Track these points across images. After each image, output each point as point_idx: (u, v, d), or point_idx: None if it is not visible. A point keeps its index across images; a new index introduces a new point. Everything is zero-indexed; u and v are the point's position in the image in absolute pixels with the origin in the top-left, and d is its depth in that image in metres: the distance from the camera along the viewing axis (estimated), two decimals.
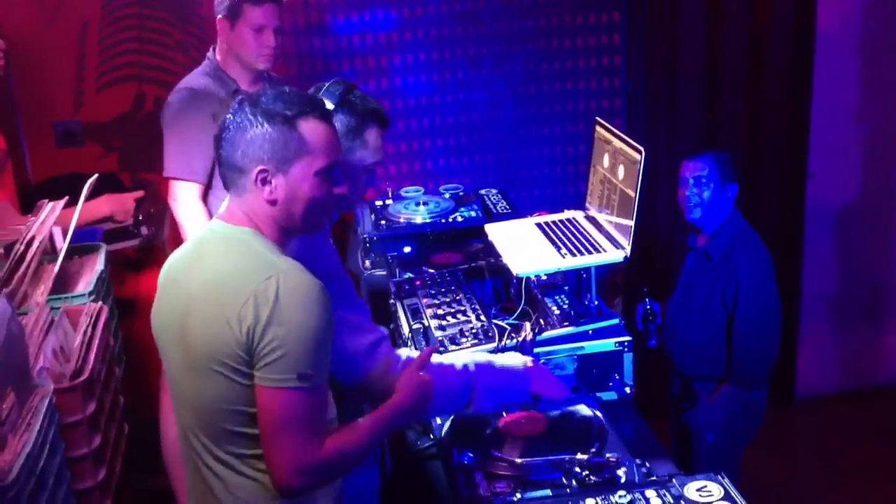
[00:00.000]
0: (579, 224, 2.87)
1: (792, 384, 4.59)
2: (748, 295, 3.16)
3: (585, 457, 2.09)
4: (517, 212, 3.46)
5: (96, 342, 2.34)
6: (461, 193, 3.69)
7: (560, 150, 4.30)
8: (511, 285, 2.85)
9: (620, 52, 4.22)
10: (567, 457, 2.09)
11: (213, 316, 1.76)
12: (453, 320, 2.62)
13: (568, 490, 2.02)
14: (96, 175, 2.79)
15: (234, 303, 1.73)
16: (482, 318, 2.61)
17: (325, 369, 1.79)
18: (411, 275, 3.00)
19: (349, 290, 2.18)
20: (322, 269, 1.87)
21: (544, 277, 2.81)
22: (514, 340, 2.50)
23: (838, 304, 4.64)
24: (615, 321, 2.59)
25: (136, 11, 3.85)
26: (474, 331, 2.55)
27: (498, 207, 3.55)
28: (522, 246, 2.78)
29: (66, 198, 2.76)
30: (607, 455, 2.10)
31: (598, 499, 1.93)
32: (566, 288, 2.78)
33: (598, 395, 2.49)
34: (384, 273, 3.22)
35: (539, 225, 2.92)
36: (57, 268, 2.57)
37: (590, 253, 2.63)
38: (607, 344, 2.53)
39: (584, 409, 2.36)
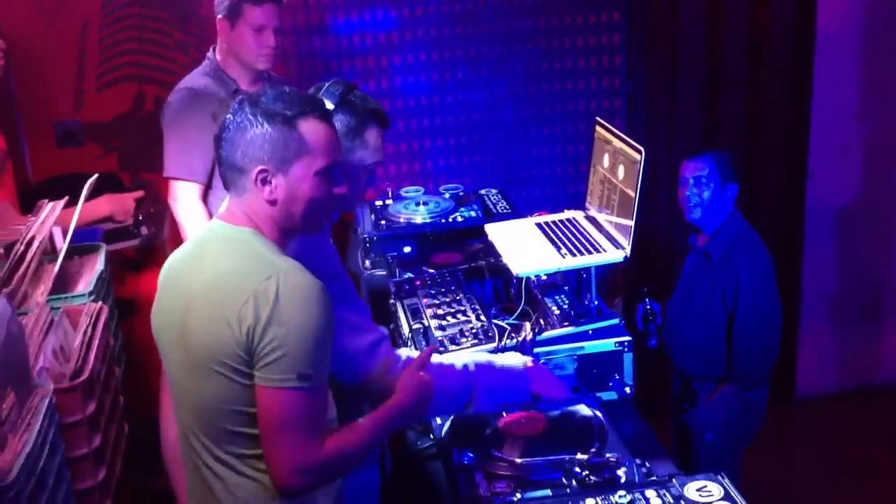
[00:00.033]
0: (579, 224, 2.87)
1: (792, 384, 4.59)
2: (748, 295, 3.16)
3: (585, 457, 2.09)
4: (517, 212, 3.46)
5: (96, 342, 2.34)
6: (461, 193, 3.69)
7: (560, 150, 4.30)
8: (511, 285, 2.85)
9: (620, 52, 4.22)
10: (567, 457, 2.09)
11: (212, 316, 1.76)
12: (453, 320, 2.62)
13: (568, 490, 2.02)
14: (96, 175, 2.79)
15: (234, 303, 1.73)
16: (482, 318, 2.61)
17: (325, 369, 1.79)
18: (411, 275, 3.00)
19: (349, 290, 2.19)
20: (322, 269, 1.87)
21: (544, 277, 2.81)
22: (514, 340, 2.50)
23: (838, 304, 4.64)
24: (615, 321, 2.59)
25: (137, 11, 3.85)
26: (474, 331, 2.55)
27: (498, 207, 3.55)
28: (522, 246, 2.78)
29: (66, 198, 2.76)
30: (607, 455, 2.10)
31: (598, 499, 1.93)
32: (566, 288, 2.78)
33: (598, 395, 2.49)
34: (384, 273, 3.22)
35: (539, 225, 2.92)
36: (57, 268, 2.57)
37: (590, 253, 2.63)
38: (607, 344, 2.53)
39: (584, 409, 2.36)
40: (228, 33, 3.18)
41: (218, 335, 1.74)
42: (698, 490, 1.94)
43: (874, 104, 4.36)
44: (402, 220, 3.44)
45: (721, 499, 1.91)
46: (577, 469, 2.05)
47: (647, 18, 4.06)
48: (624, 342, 2.53)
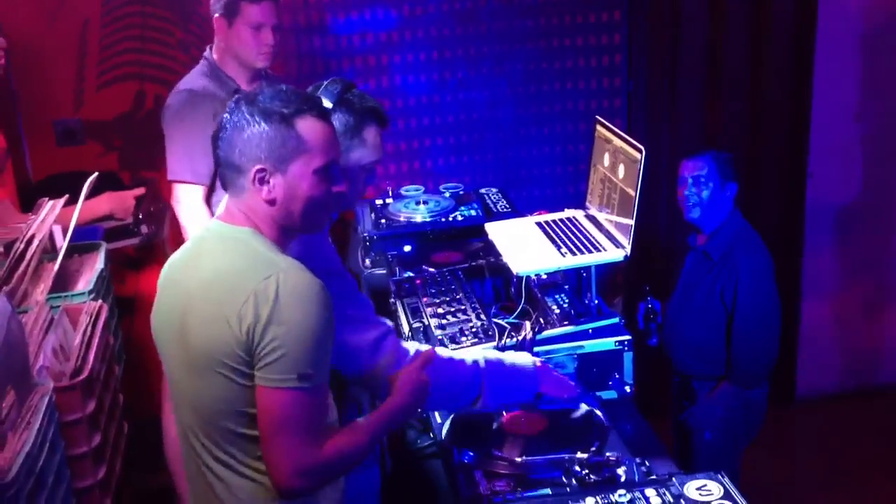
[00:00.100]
0: (579, 223, 2.87)
1: (792, 384, 4.59)
2: (747, 294, 3.16)
3: (585, 456, 2.09)
4: (517, 211, 3.46)
5: (96, 341, 2.34)
6: (461, 192, 3.69)
7: (560, 150, 4.30)
8: (511, 284, 2.84)
9: (621, 51, 4.22)
10: (567, 456, 2.09)
11: (212, 315, 1.75)
12: (453, 319, 2.62)
13: (568, 489, 2.02)
14: (96, 173, 2.78)
15: (233, 302, 1.72)
16: (482, 316, 2.61)
17: (325, 369, 1.78)
18: (411, 274, 3.00)
19: (351, 287, 2.18)
20: (322, 268, 1.87)
21: (544, 276, 2.82)
22: (514, 339, 2.50)
23: (838, 304, 4.64)
24: (615, 320, 2.59)
25: (138, 10, 3.85)
26: (474, 330, 2.55)
27: (498, 206, 3.55)
28: (522, 245, 2.78)
29: (67, 196, 2.76)
30: (607, 454, 2.10)
31: (597, 498, 1.93)
32: (566, 287, 2.78)
33: (598, 393, 2.48)
34: (384, 272, 3.22)
35: (539, 224, 2.92)
36: (57, 266, 2.57)
37: (590, 252, 2.63)
38: (607, 343, 2.53)
39: (584, 408, 2.35)
40: (226, 32, 3.17)
41: (218, 335, 1.74)
42: (698, 489, 1.94)
43: (874, 104, 4.36)
44: (402, 218, 3.44)
45: (721, 498, 1.91)
46: (577, 468, 2.05)
47: (648, 18, 4.06)
48: (624, 341, 2.53)
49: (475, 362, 2.23)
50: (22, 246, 2.47)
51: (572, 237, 2.75)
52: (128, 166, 3.96)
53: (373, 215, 3.49)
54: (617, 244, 2.63)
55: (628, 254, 2.58)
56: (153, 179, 3.65)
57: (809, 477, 4.14)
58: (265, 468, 1.78)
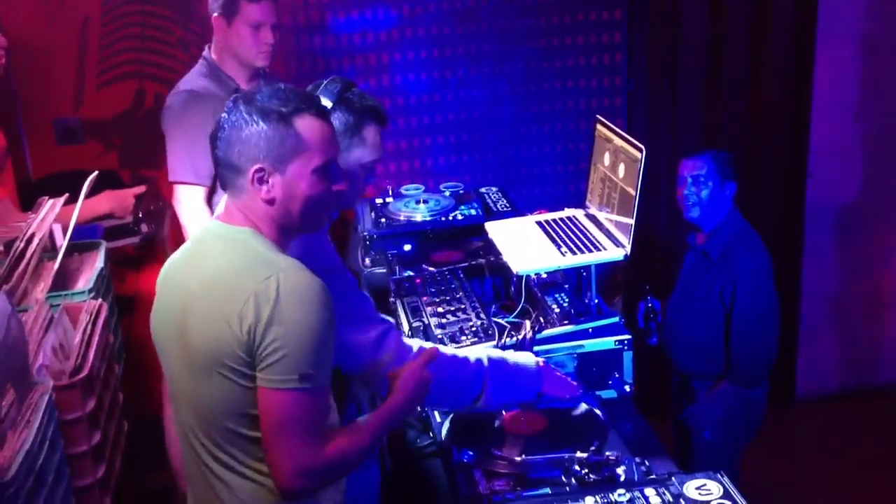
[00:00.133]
0: (579, 222, 2.87)
1: (792, 384, 4.59)
2: (746, 294, 3.16)
3: (585, 455, 2.08)
4: (517, 210, 3.46)
5: (96, 339, 2.34)
6: (461, 191, 3.69)
7: (560, 149, 4.30)
8: (511, 283, 2.84)
9: (621, 50, 4.22)
10: (567, 455, 2.09)
11: (213, 316, 1.74)
12: (453, 318, 2.62)
13: (567, 488, 2.02)
14: (96, 172, 2.78)
15: (234, 302, 1.71)
16: (482, 316, 2.61)
17: (326, 369, 1.77)
18: (411, 273, 3.00)
19: (351, 285, 2.18)
20: (323, 266, 1.87)
21: (544, 275, 2.81)
22: (514, 338, 2.50)
23: (838, 304, 4.64)
24: (615, 319, 2.59)
25: (138, 9, 3.85)
26: (474, 329, 2.55)
27: (498, 205, 3.55)
28: (522, 244, 2.78)
29: (67, 195, 2.76)
30: (607, 453, 2.10)
31: (597, 497, 1.93)
32: (566, 286, 2.78)
33: (597, 393, 2.48)
34: (384, 271, 3.22)
35: (539, 223, 2.92)
36: (57, 265, 2.57)
37: (590, 251, 2.63)
38: (607, 342, 2.53)
39: (583, 408, 2.35)
40: (225, 31, 3.17)
41: (218, 335, 1.73)
42: (698, 489, 1.94)
43: (874, 104, 4.36)
44: (402, 217, 3.44)
45: (720, 497, 1.91)
46: (577, 467, 2.04)
47: (648, 17, 4.06)
48: (624, 340, 2.53)
49: (478, 360, 2.23)
50: (22, 244, 2.47)
51: (572, 236, 2.75)
52: (128, 165, 3.96)
53: (373, 214, 3.49)
54: (617, 243, 2.63)
55: (628, 253, 2.58)
56: (153, 178, 3.65)
57: (809, 477, 4.14)
58: (267, 469, 1.77)
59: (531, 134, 4.27)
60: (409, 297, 2.80)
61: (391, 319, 2.22)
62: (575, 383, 2.37)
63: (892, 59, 4.32)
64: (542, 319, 2.62)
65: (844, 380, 4.73)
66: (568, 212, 2.97)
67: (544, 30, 4.16)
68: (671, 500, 1.91)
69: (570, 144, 4.29)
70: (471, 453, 2.17)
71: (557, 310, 2.63)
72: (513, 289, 2.82)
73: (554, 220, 2.91)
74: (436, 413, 2.42)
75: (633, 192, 2.56)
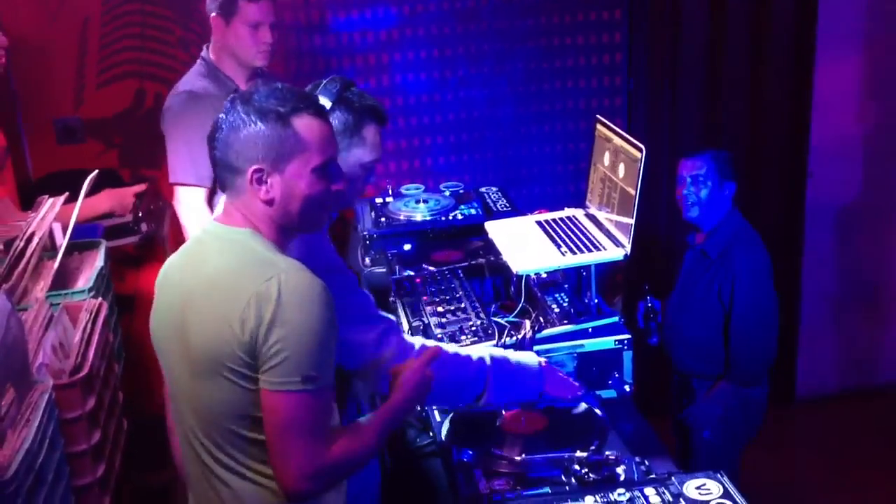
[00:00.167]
0: (579, 222, 2.87)
1: (792, 384, 4.59)
2: (745, 293, 3.16)
3: (585, 454, 2.08)
4: (517, 210, 3.45)
5: (96, 338, 2.34)
6: (461, 191, 3.69)
7: (560, 148, 4.31)
8: (511, 283, 2.84)
9: (621, 50, 4.22)
10: (566, 454, 2.09)
11: (213, 318, 1.73)
12: (453, 318, 2.62)
13: (567, 488, 2.02)
14: (96, 171, 2.78)
15: (235, 304, 1.70)
16: (482, 315, 2.61)
17: (329, 369, 1.76)
18: (411, 272, 3.00)
19: (352, 283, 2.18)
20: (323, 265, 1.87)
21: (544, 275, 2.81)
22: (514, 338, 2.50)
23: (838, 304, 4.64)
24: (615, 319, 2.59)
25: (138, 8, 3.85)
26: (474, 328, 2.55)
27: (498, 205, 3.55)
28: (522, 244, 2.78)
29: (66, 194, 2.76)
30: (607, 453, 2.10)
31: (597, 496, 1.93)
32: (566, 286, 2.78)
33: (597, 392, 2.48)
34: (384, 270, 3.22)
35: (539, 223, 2.92)
36: (57, 264, 2.57)
37: (590, 251, 2.63)
38: (607, 342, 2.53)
39: (583, 407, 2.35)
40: (224, 31, 3.16)
41: (219, 337, 1.72)
42: (697, 488, 1.94)
43: (874, 104, 4.36)
44: (402, 217, 3.44)
45: (720, 497, 1.91)
46: (577, 467, 2.04)
47: (648, 17, 4.06)
48: (624, 340, 2.53)
49: (480, 359, 2.23)
50: (22, 243, 2.47)
51: (572, 236, 2.75)
52: (128, 164, 3.96)
53: (373, 214, 3.49)
54: (617, 243, 2.63)
55: (628, 253, 2.58)
56: (153, 177, 3.65)
57: (809, 477, 4.14)
58: (269, 471, 1.76)
59: (531, 134, 4.27)
60: (409, 297, 2.80)
61: (392, 317, 2.21)
62: (577, 383, 2.37)
63: (892, 59, 4.32)
64: (541, 319, 2.62)
65: (844, 380, 4.73)
66: (568, 211, 2.97)
67: (544, 29, 4.16)
68: (671, 499, 1.91)
69: (570, 144, 4.29)
70: (470, 452, 2.17)
71: (557, 309, 2.63)
72: (513, 288, 2.82)
73: (554, 220, 2.91)
74: (436, 412, 2.42)
75: (632, 192, 2.56)
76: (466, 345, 2.46)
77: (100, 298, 2.54)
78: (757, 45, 4.13)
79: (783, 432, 4.33)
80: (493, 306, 2.77)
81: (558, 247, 2.69)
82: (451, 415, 2.37)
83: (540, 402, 2.32)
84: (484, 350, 2.29)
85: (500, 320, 2.62)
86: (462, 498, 2.09)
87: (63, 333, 2.29)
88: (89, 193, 2.78)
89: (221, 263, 1.79)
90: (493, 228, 2.96)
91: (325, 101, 2.07)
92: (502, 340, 2.49)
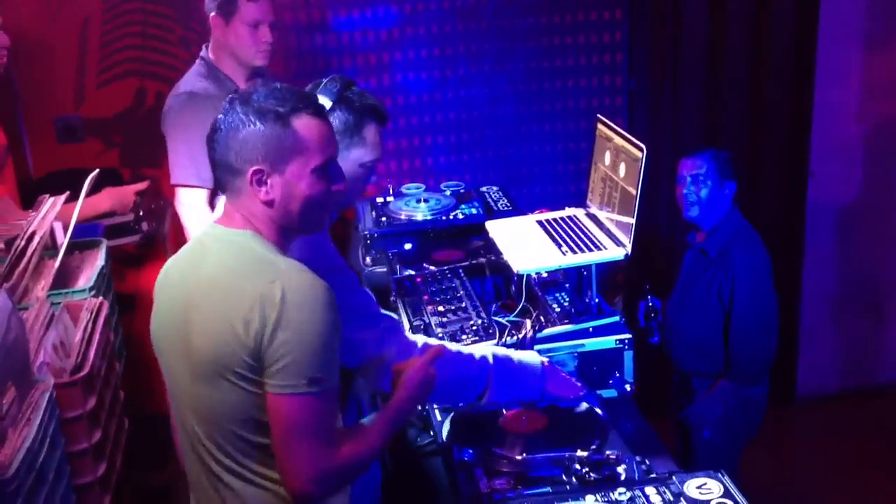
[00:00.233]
0: (580, 221, 2.87)
1: (792, 383, 4.59)
2: (744, 292, 3.17)
3: (585, 454, 2.09)
4: (518, 209, 3.45)
5: (97, 337, 2.34)
6: (462, 190, 3.69)
7: (561, 148, 4.31)
8: (512, 282, 2.85)
9: (622, 49, 4.22)
10: (567, 454, 2.09)
11: (217, 322, 1.72)
12: (454, 317, 2.62)
13: (568, 487, 2.02)
14: (97, 170, 2.78)
15: (238, 308, 1.69)
16: (483, 315, 2.61)
17: (334, 371, 1.75)
18: (412, 272, 3.00)
19: (353, 282, 2.18)
20: (324, 265, 1.87)
21: (545, 275, 2.82)
22: (515, 338, 2.50)
23: (839, 304, 4.64)
24: (616, 319, 2.59)
25: (139, 7, 3.85)
26: (475, 328, 2.55)
27: (499, 205, 3.55)
28: (523, 243, 2.78)
29: (67, 193, 2.76)
30: (607, 452, 2.10)
31: (597, 496, 1.93)
32: (567, 285, 2.78)
33: (598, 392, 2.48)
34: (385, 270, 3.22)
35: (540, 222, 2.92)
36: (57, 263, 2.57)
37: (590, 250, 2.63)
38: (608, 341, 2.53)
39: (584, 406, 2.36)
40: (223, 30, 3.16)
41: (223, 341, 1.71)
42: (698, 487, 1.94)
43: (875, 104, 4.36)
44: (402, 216, 3.44)
45: (721, 496, 1.91)
46: (577, 466, 2.05)
47: (649, 16, 4.06)
48: (624, 340, 2.53)
49: (483, 358, 2.23)
50: (23, 243, 2.47)
51: (573, 235, 2.75)
52: (128, 163, 3.96)
53: (373, 213, 3.49)
54: (618, 243, 2.63)
55: (629, 252, 2.58)
56: (154, 176, 3.65)
57: (809, 476, 4.14)
58: (275, 475, 1.76)
59: (532, 133, 4.27)
60: (410, 297, 2.80)
61: (394, 316, 2.22)
62: (579, 383, 2.37)
63: (893, 59, 4.31)
64: (542, 318, 2.62)
65: (844, 379, 4.73)
66: (569, 211, 2.97)
67: (545, 29, 4.16)
68: (672, 498, 1.91)
69: (571, 144, 4.29)
70: (471, 452, 2.17)
71: (558, 309, 2.63)
72: (513, 288, 2.82)
73: (555, 220, 2.91)
74: (436, 411, 2.42)
75: (633, 192, 2.56)
76: (467, 344, 2.46)
77: (101, 297, 2.54)
78: (758, 44, 4.13)
79: (783, 432, 4.33)
80: (494, 306, 2.77)
81: (559, 246, 2.69)
82: (451, 414, 2.37)
83: (541, 401, 2.32)
84: (487, 349, 2.29)
85: (500, 320, 2.62)
86: (463, 497, 2.09)
87: (64, 332, 2.29)
88: (90, 192, 2.78)
89: (223, 266, 1.78)
90: (494, 228, 2.96)
91: (326, 101, 2.07)
92: (503, 340, 2.49)
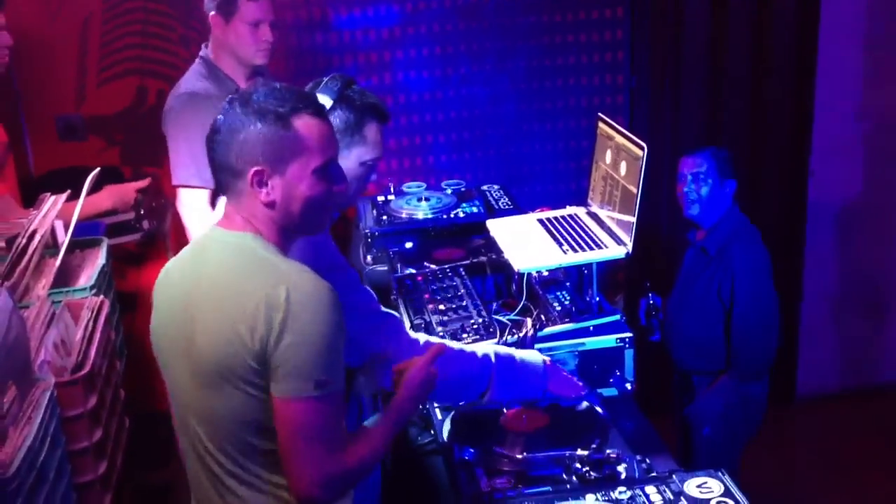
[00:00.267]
0: (581, 220, 2.87)
1: (793, 383, 4.59)
2: (743, 289, 3.17)
3: (586, 453, 2.09)
4: (519, 207, 3.45)
5: (97, 336, 2.34)
6: (463, 189, 3.69)
7: (562, 146, 4.30)
8: (513, 281, 2.85)
9: (623, 47, 4.22)
10: (568, 452, 2.09)
11: (221, 327, 1.70)
12: (455, 316, 2.62)
13: (568, 486, 2.02)
14: (98, 169, 2.78)
15: (243, 312, 1.68)
16: (483, 313, 2.61)
17: (340, 373, 1.73)
18: (413, 270, 3.00)
19: (354, 281, 2.18)
20: (325, 264, 1.87)
21: (546, 273, 2.81)
22: (516, 336, 2.50)
23: (839, 303, 4.64)
24: (616, 317, 2.59)
25: (140, 5, 3.85)
26: (475, 326, 2.55)
27: (500, 203, 3.55)
28: (524, 241, 2.78)
29: (68, 191, 2.76)
30: (608, 451, 2.10)
31: (598, 494, 1.93)
32: (567, 284, 2.78)
33: (598, 391, 2.48)
34: (386, 268, 3.21)
35: (541, 221, 2.92)
36: (58, 261, 2.57)
37: (591, 249, 2.63)
38: (608, 340, 2.53)
39: (584, 405, 2.35)
40: (223, 29, 3.15)
41: (228, 346, 1.69)
42: (698, 486, 1.94)
43: (876, 103, 4.36)
44: (403, 215, 3.44)
45: (721, 495, 1.91)
46: (578, 465, 2.05)
47: (650, 14, 4.06)
48: (625, 338, 2.53)
49: (485, 356, 2.23)
50: (24, 241, 2.47)
51: (574, 234, 2.75)
52: (129, 162, 3.96)
53: (374, 212, 3.49)
54: (618, 241, 2.63)
55: (630, 251, 2.58)
56: (155, 174, 3.65)
57: (809, 476, 4.14)
58: (283, 481, 1.74)
59: (533, 131, 4.27)
60: (411, 295, 2.80)
61: (395, 314, 2.22)
62: (581, 383, 2.37)
63: (894, 58, 4.31)
64: (543, 317, 2.62)
65: (844, 379, 4.73)
66: (569, 209, 2.97)
67: (546, 27, 4.15)
68: (672, 497, 1.91)
69: (572, 142, 4.29)
70: (472, 451, 2.17)
71: (559, 307, 2.63)
72: (514, 286, 2.82)
73: (555, 218, 2.91)
74: (437, 411, 2.42)
75: (634, 190, 2.56)
76: (468, 343, 2.46)
77: (101, 296, 2.54)
78: (759, 43, 4.13)
79: (783, 431, 4.33)
80: (495, 304, 2.78)
81: (560, 245, 2.69)
82: (452, 413, 2.36)
83: (542, 400, 2.32)
84: (489, 347, 2.29)
85: (501, 318, 2.62)
86: (463, 496, 2.10)
87: (65, 331, 2.29)
88: (91, 191, 2.78)
89: (225, 270, 1.76)
90: (495, 226, 2.96)
91: (327, 100, 2.07)
92: (504, 339, 2.49)
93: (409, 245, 3.30)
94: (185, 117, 3.09)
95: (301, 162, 1.75)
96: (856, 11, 4.22)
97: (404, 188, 3.71)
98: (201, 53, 3.24)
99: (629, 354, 2.53)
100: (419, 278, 2.90)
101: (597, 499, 1.92)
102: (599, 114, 2.97)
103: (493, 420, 2.30)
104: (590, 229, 2.78)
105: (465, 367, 2.19)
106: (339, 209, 2.29)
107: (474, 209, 3.46)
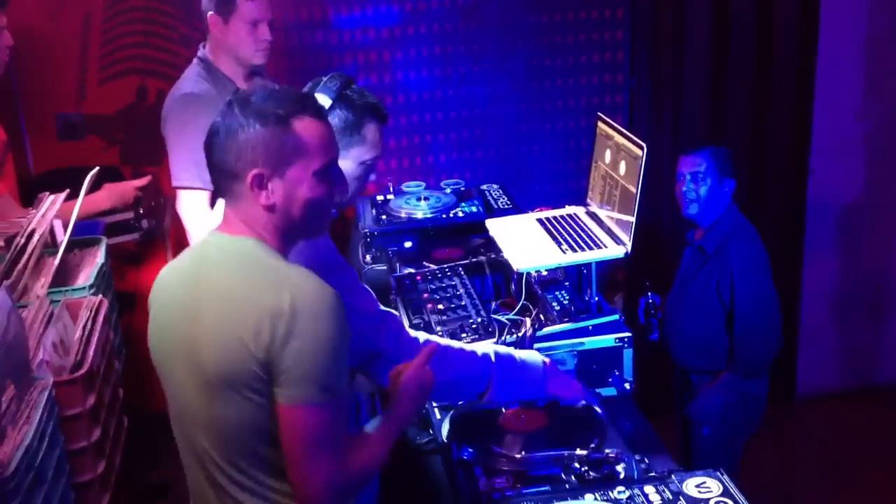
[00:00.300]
0: (580, 220, 2.87)
1: (793, 382, 4.59)
2: (742, 287, 3.17)
3: (585, 452, 2.08)
4: (518, 207, 3.45)
5: (96, 335, 2.35)
6: (462, 189, 3.68)
7: (562, 146, 4.30)
8: (512, 281, 2.84)
9: (623, 47, 4.22)
10: (566, 452, 2.09)
11: (225, 334, 1.68)
12: (454, 315, 2.62)
13: (567, 485, 2.02)
14: (98, 168, 2.78)
15: (247, 318, 1.66)
16: (482, 313, 2.61)
17: (344, 378, 1.72)
18: (412, 270, 3.00)
19: (353, 279, 2.18)
20: (324, 263, 1.87)
21: (545, 273, 2.81)
22: (515, 336, 2.50)
23: (839, 302, 4.64)
24: (615, 317, 2.59)
25: (141, 4, 3.85)
26: (474, 326, 2.55)
27: (499, 203, 3.55)
28: (523, 241, 2.78)
29: (68, 190, 2.76)
30: (606, 451, 2.10)
31: (596, 494, 1.93)
32: (566, 284, 2.78)
33: (597, 390, 2.48)
34: (385, 268, 3.21)
35: (540, 220, 2.92)
36: (57, 261, 2.57)
37: (590, 249, 2.63)
38: (607, 340, 2.53)
39: (583, 405, 2.35)
40: (222, 29, 3.15)
41: (233, 354, 1.67)
42: (697, 486, 1.94)
43: (876, 102, 4.36)
44: (403, 215, 3.44)
45: (720, 495, 1.91)
46: (577, 464, 2.05)
47: (650, 15, 4.06)
48: (624, 338, 2.53)
49: (485, 356, 2.22)
50: (23, 240, 2.47)
51: (573, 234, 2.75)
52: (129, 161, 3.96)
53: (373, 211, 3.49)
54: (618, 241, 2.63)
55: (629, 251, 2.58)
56: (155, 173, 3.65)
57: (809, 475, 4.13)
58: (289, 489, 1.72)
59: (532, 131, 4.27)
60: (410, 295, 2.80)
61: (395, 312, 2.22)
62: (581, 384, 2.37)
63: (894, 58, 4.31)
64: (542, 317, 2.62)
65: (845, 378, 4.73)
66: (569, 209, 2.97)
67: (546, 27, 4.15)
68: (671, 497, 1.91)
69: (572, 142, 4.29)
70: (470, 450, 2.17)
71: (558, 307, 2.63)
72: (513, 286, 2.82)
73: (555, 218, 2.91)
74: (436, 410, 2.42)
75: (633, 190, 2.56)
76: (467, 342, 2.46)
77: (100, 295, 2.55)
78: (759, 43, 4.13)
79: (784, 430, 4.33)
80: (494, 304, 2.77)
81: (559, 244, 2.69)
82: (451, 413, 2.36)
83: (541, 399, 2.32)
84: (489, 347, 2.29)
85: (500, 318, 2.62)
86: (462, 496, 2.09)
87: (63, 330, 2.29)
88: (90, 190, 2.78)
89: (227, 276, 1.74)
90: (494, 226, 2.96)
91: (326, 99, 2.07)
92: (503, 338, 2.49)
93: (408, 244, 3.30)
94: (184, 119, 3.09)
95: (301, 164, 1.73)
96: (856, 11, 4.22)
97: (403, 188, 3.71)
98: (199, 54, 3.23)
99: (628, 354, 2.53)
100: (418, 278, 2.90)
101: (595, 498, 1.92)
102: (599, 113, 2.97)
103: (492, 420, 2.30)
104: (589, 229, 2.78)
105: (464, 366, 2.19)
106: (338, 209, 2.28)
107: (473, 209, 3.46)
